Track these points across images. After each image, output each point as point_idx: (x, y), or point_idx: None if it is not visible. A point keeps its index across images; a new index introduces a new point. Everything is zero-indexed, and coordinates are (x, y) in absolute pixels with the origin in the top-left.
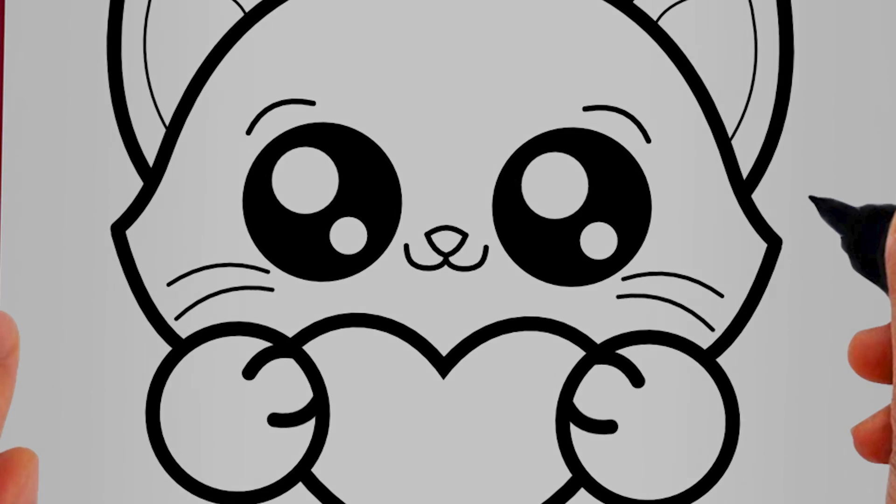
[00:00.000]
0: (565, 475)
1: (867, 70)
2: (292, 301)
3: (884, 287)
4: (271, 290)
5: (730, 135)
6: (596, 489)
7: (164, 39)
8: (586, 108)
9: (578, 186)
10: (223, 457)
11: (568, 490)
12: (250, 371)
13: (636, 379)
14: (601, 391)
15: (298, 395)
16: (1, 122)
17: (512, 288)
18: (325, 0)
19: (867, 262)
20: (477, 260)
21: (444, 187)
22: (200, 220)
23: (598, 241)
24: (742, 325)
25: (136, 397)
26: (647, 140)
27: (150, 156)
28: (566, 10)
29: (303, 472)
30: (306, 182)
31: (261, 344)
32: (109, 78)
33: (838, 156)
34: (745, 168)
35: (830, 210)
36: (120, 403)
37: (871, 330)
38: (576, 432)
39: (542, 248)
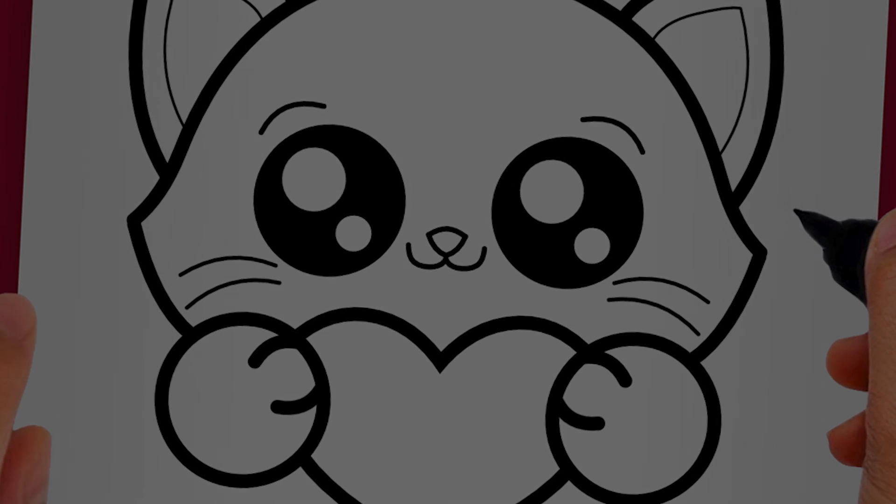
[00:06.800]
0: (553, 468)
1: (852, 91)
2: (298, 294)
3: (863, 298)
4: (278, 283)
5: (720, 149)
6: (582, 482)
7: (183, 41)
8: (584, 119)
9: (574, 193)
10: (227, 440)
11: (555, 482)
12: (256, 360)
13: (624, 378)
14: (590, 389)
15: (301, 384)
16: (26, 117)
17: (508, 288)
18: (337, 9)
19: (847, 273)
20: (475, 260)
21: (446, 190)
22: (213, 214)
23: (592, 245)
24: (726, 330)
25: (147, 382)
26: (642, 151)
27: (167, 152)
28: (567, 26)
29: (303, 458)
30: (315, 181)
31: (266, 334)
32: (130, 76)
33: (823, 172)
34: (734, 181)
35: (814, 223)
36: (131, 387)
37: (850, 339)
38: (564, 427)
39: (538, 251)
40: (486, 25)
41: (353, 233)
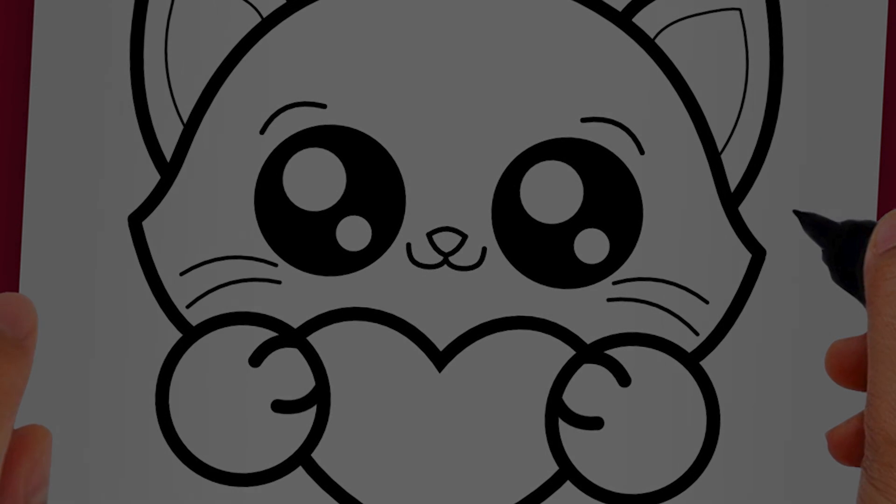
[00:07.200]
0: (552, 468)
1: (851, 92)
2: (298, 294)
3: (861, 299)
4: (279, 282)
5: (719, 149)
6: (581, 482)
7: (185, 41)
8: (584, 120)
9: (574, 193)
10: (228, 439)
11: (554, 482)
12: (256, 359)
13: (623, 378)
14: (589, 389)
15: (301, 383)
16: (27, 116)
17: (508, 288)
18: (338, 9)
19: (846, 274)
20: (475, 260)
21: (447, 190)
22: (213, 213)
23: (592, 246)
24: (725, 330)
25: (148, 381)
26: (641, 152)
27: (168, 151)
28: (567, 27)
29: (303, 457)
30: (315, 181)
31: (267, 333)
32: (132, 76)
33: (822, 173)
34: (733, 182)
35: (813, 224)
36: (132, 386)
37: (848, 339)
38: (564, 427)
39: (538, 251)
40: (486, 26)
41: (354, 233)
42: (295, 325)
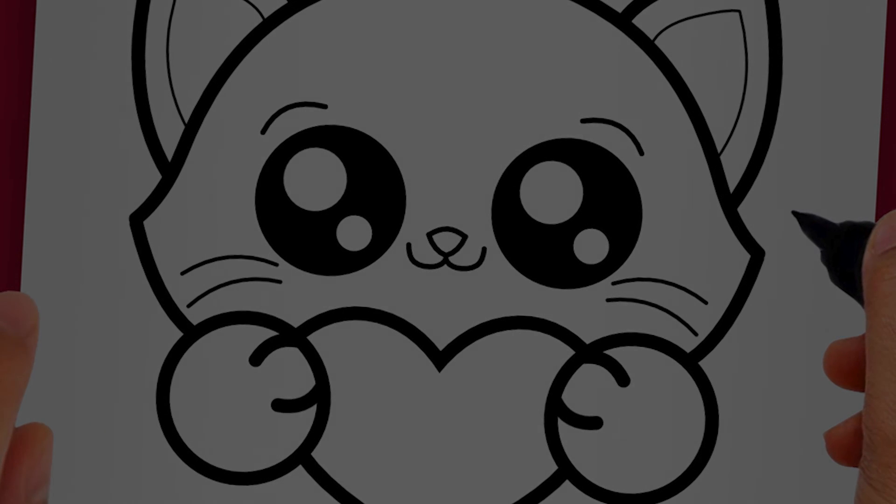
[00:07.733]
0: (552, 467)
1: (850, 93)
2: (299, 293)
3: (860, 300)
4: (279, 282)
5: (719, 150)
6: (580, 481)
7: (186, 41)
8: (584, 121)
9: (574, 194)
10: (228, 438)
11: (553, 481)
12: (256, 358)
13: (622, 378)
14: (588, 389)
15: (301, 382)
16: (29, 116)
17: (507, 288)
18: (339, 10)
19: (845, 275)
20: (475, 260)
21: (447, 190)
22: (214, 213)
23: (591, 246)
24: (724, 331)
25: (148, 380)
26: (641, 153)
27: (169, 151)
28: (567, 28)
29: (303, 456)
30: (316, 181)
31: (267, 333)
32: (133, 76)
33: (821, 174)
34: (732, 182)
35: (812, 225)
36: (132, 385)
37: (846, 340)
38: (563, 427)
39: (538, 251)
40: (487, 27)
41: (354, 232)
42: (295, 325)
